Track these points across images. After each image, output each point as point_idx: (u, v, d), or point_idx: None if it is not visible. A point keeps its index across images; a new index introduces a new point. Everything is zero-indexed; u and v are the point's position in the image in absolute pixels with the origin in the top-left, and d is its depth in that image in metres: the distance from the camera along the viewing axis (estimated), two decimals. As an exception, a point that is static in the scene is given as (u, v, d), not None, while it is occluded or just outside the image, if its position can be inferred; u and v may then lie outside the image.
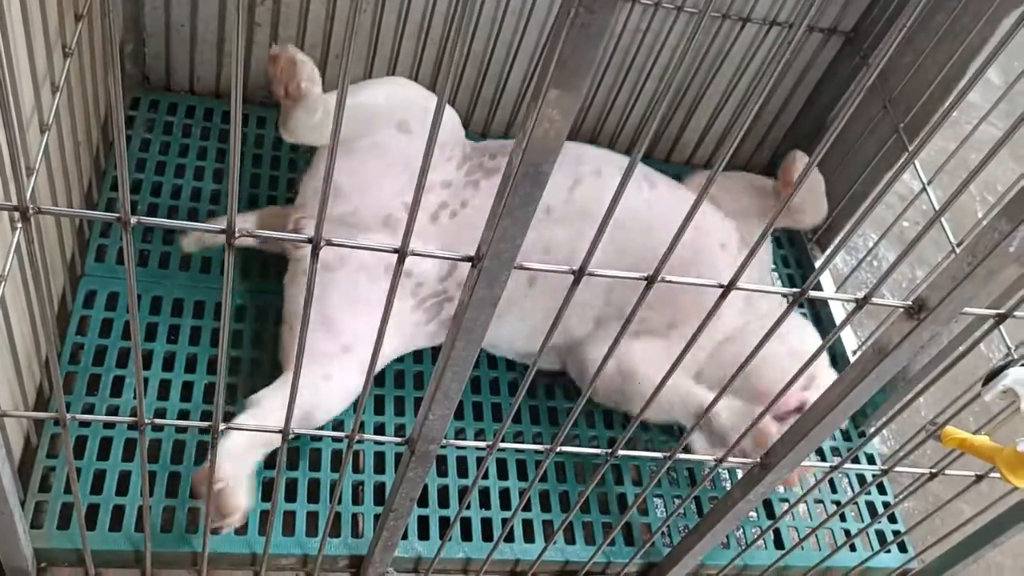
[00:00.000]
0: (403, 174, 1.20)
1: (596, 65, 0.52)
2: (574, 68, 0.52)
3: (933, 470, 1.04)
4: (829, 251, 0.64)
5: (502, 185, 0.62)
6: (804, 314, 1.59)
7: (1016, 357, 0.88)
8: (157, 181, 1.40)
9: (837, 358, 1.56)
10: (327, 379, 1.12)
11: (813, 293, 0.76)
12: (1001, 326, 1.01)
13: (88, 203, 1.29)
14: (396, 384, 1.30)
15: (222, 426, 0.81)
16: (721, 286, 0.72)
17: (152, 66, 1.49)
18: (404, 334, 1.23)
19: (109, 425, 1.13)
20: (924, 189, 1.34)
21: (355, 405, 1.10)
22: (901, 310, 0.78)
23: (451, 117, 1.25)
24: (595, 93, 1.61)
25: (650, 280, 0.70)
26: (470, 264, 0.67)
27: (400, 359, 1.33)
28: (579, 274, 0.68)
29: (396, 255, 0.65)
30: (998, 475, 0.94)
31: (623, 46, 1.54)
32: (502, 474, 1.26)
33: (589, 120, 1.66)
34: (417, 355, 1.34)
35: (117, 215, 0.60)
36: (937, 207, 1.20)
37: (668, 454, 0.94)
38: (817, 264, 1.55)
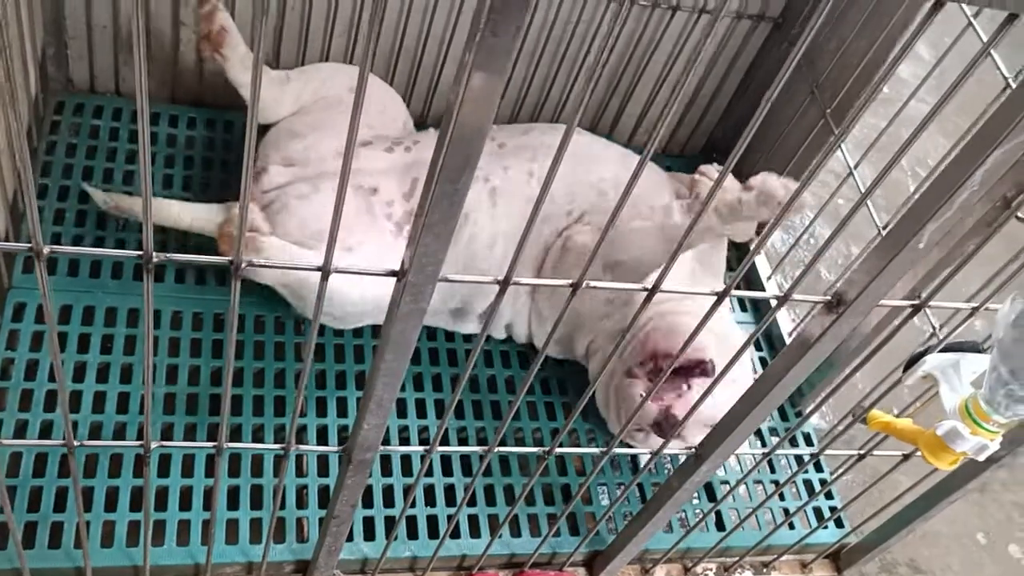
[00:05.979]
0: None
1: (504, 88, 0.53)
2: (480, 92, 0.53)
3: (862, 451, 1.07)
4: (753, 248, 0.65)
5: (421, 201, 0.62)
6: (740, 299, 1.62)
7: (936, 343, 0.91)
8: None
9: (773, 340, 1.60)
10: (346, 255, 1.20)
11: (736, 292, 0.78)
12: (927, 310, 1.04)
13: (13, 214, 1.26)
14: (338, 385, 1.30)
15: (153, 444, 0.80)
16: (645, 289, 0.74)
17: (75, 68, 1.46)
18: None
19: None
20: (851, 173, 1.37)
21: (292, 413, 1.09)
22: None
23: (391, 93, 1.45)
24: (530, 83, 1.61)
25: (575, 286, 0.71)
26: (395, 278, 0.68)
27: (341, 359, 1.32)
28: (503, 284, 0.69)
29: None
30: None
31: (555, 36, 1.55)
32: (447, 471, 1.27)
33: (525, 109, 1.66)
34: (359, 355, 1.34)
35: (29, 245, 0.59)
36: (863, 188, 1.22)
37: (605, 450, 0.95)
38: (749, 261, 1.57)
